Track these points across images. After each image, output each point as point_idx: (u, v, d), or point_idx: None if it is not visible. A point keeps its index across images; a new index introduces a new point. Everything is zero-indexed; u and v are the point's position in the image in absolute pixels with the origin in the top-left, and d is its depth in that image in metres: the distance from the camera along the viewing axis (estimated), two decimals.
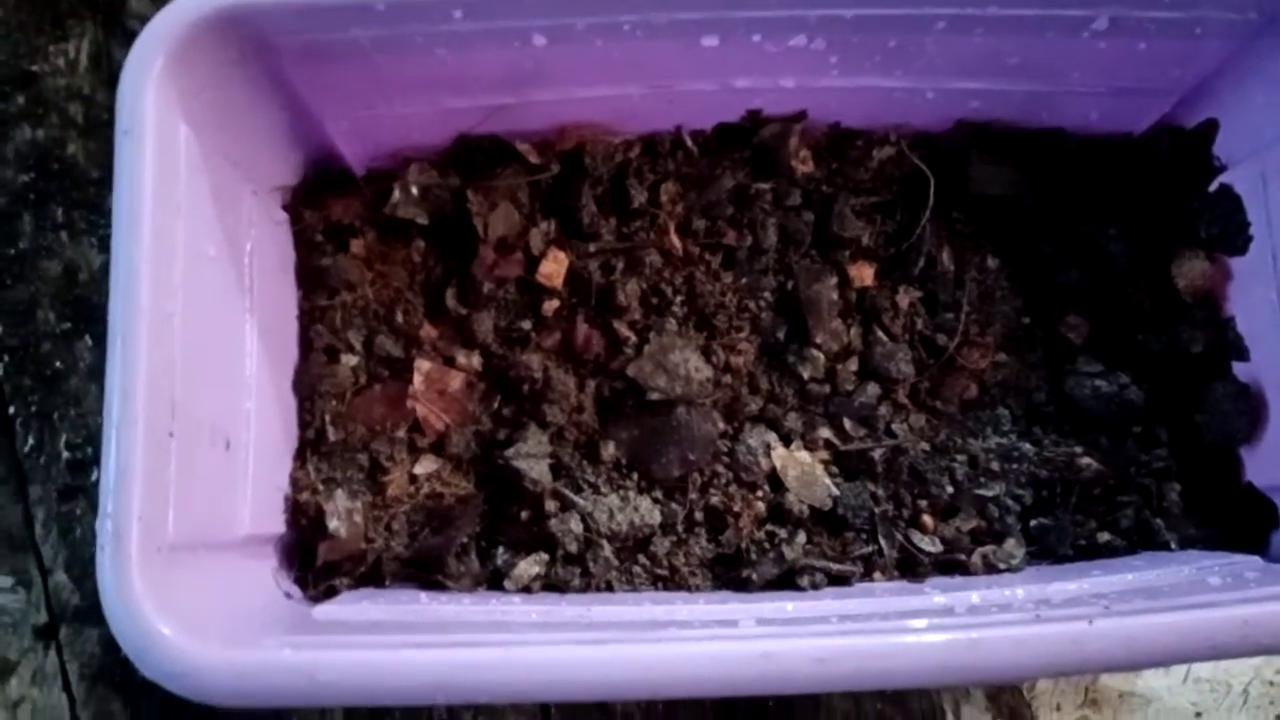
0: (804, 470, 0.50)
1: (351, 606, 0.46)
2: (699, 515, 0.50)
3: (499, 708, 0.54)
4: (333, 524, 0.48)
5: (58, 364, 0.57)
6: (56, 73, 0.60)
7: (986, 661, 0.36)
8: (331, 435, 0.50)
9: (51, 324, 0.58)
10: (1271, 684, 0.56)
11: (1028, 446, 0.51)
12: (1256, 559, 0.46)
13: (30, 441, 0.56)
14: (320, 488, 0.49)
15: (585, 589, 0.48)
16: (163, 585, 0.37)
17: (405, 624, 0.44)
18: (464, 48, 0.44)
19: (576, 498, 0.49)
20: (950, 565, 0.49)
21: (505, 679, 0.36)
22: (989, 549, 0.49)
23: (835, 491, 0.50)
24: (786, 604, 0.45)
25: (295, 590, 0.48)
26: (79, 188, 0.59)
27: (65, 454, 0.56)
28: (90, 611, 0.55)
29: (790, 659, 0.36)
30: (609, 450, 0.50)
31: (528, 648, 0.37)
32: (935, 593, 0.46)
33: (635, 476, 0.50)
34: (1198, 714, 0.56)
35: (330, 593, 0.48)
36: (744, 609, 0.45)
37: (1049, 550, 0.50)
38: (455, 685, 0.36)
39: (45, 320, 0.58)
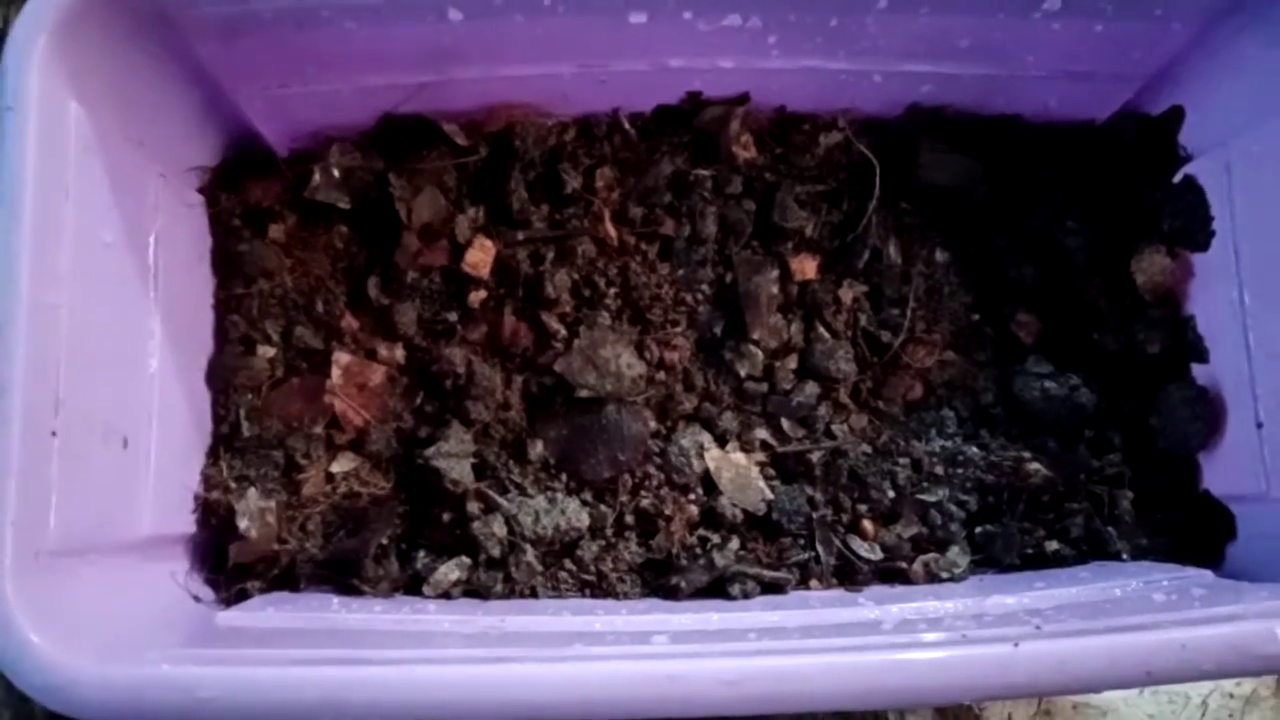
0: (739, 472, 0.48)
1: (256, 613, 0.43)
2: (629, 518, 0.48)
3: None
4: (243, 524, 0.46)
5: None
6: None
7: (907, 686, 0.34)
8: (246, 430, 0.48)
9: None
10: (1231, 696, 0.54)
11: (974, 450, 0.48)
12: (1207, 573, 0.44)
13: None
14: (232, 486, 0.47)
15: (508, 595, 0.46)
16: (39, 592, 0.35)
17: (308, 632, 0.42)
18: (375, 21, 0.42)
19: (501, 499, 0.47)
20: (891, 573, 0.47)
21: (397, 700, 0.34)
22: (931, 557, 0.47)
23: (770, 495, 0.48)
24: (712, 614, 0.43)
25: (206, 593, 0.46)
26: None
27: None
28: None
29: (698, 682, 0.34)
30: (536, 449, 0.48)
31: (422, 666, 0.35)
32: (869, 605, 0.44)
33: (564, 477, 0.48)
34: None
35: (242, 596, 0.46)
36: (666, 620, 0.43)
37: (994, 559, 0.47)
38: (345, 705, 0.34)
39: None
